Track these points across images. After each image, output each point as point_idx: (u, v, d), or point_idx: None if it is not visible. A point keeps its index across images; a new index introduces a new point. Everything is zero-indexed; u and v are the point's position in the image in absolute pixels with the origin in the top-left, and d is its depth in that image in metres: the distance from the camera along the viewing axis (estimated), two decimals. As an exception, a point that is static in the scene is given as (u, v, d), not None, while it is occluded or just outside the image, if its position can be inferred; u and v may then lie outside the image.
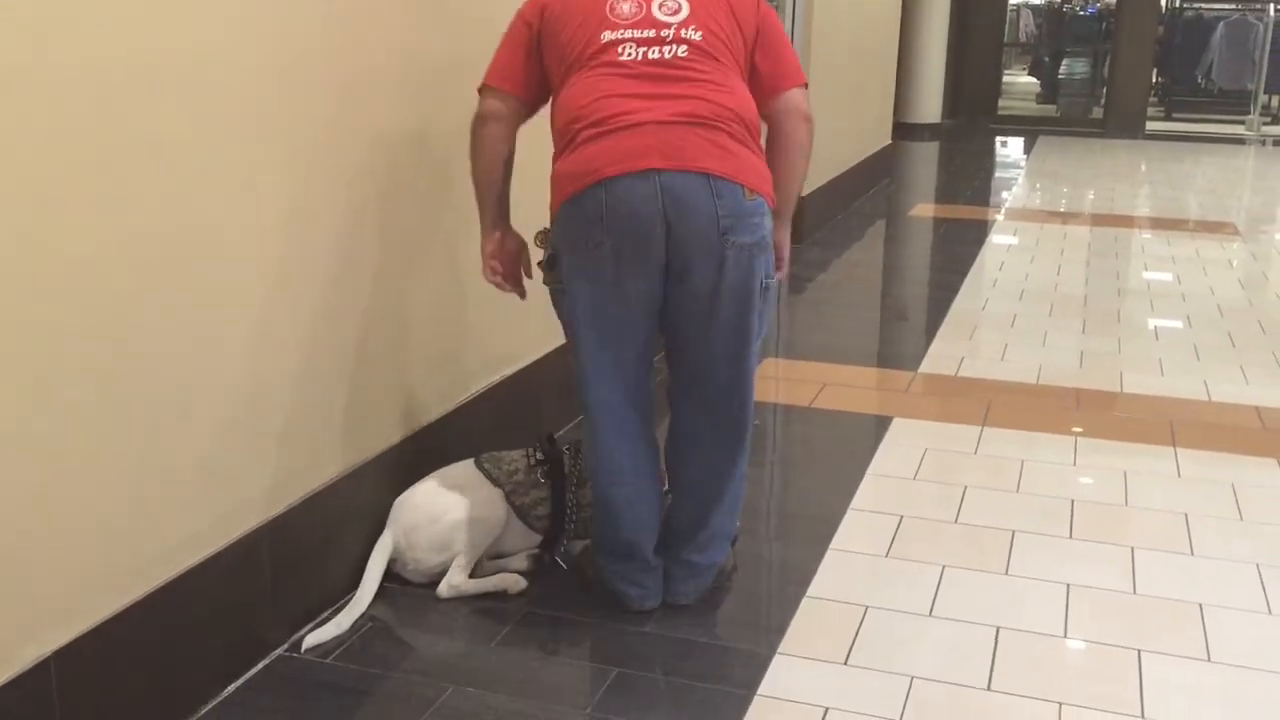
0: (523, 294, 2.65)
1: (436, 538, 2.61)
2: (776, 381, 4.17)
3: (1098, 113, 13.29)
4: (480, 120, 2.46)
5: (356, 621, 2.49)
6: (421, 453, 2.79)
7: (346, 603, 2.53)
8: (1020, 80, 16.47)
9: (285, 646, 2.40)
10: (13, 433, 1.76)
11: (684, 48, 2.29)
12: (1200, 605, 2.65)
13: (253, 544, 2.29)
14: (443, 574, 2.62)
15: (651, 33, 2.29)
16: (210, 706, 2.20)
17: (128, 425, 1.97)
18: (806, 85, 2.49)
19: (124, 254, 1.92)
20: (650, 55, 2.28)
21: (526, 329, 3.33)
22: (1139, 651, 2.45)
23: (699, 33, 2.32)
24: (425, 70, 2.73)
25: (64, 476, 1.86)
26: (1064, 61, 14.37)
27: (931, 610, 2.61)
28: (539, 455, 2.74)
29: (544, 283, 2.46)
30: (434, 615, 2.57)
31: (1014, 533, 2.99)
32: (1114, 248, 6.80)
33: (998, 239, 7.03)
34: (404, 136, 2.67)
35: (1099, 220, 7.70)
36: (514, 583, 2.64)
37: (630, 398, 2.44)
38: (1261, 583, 2.76)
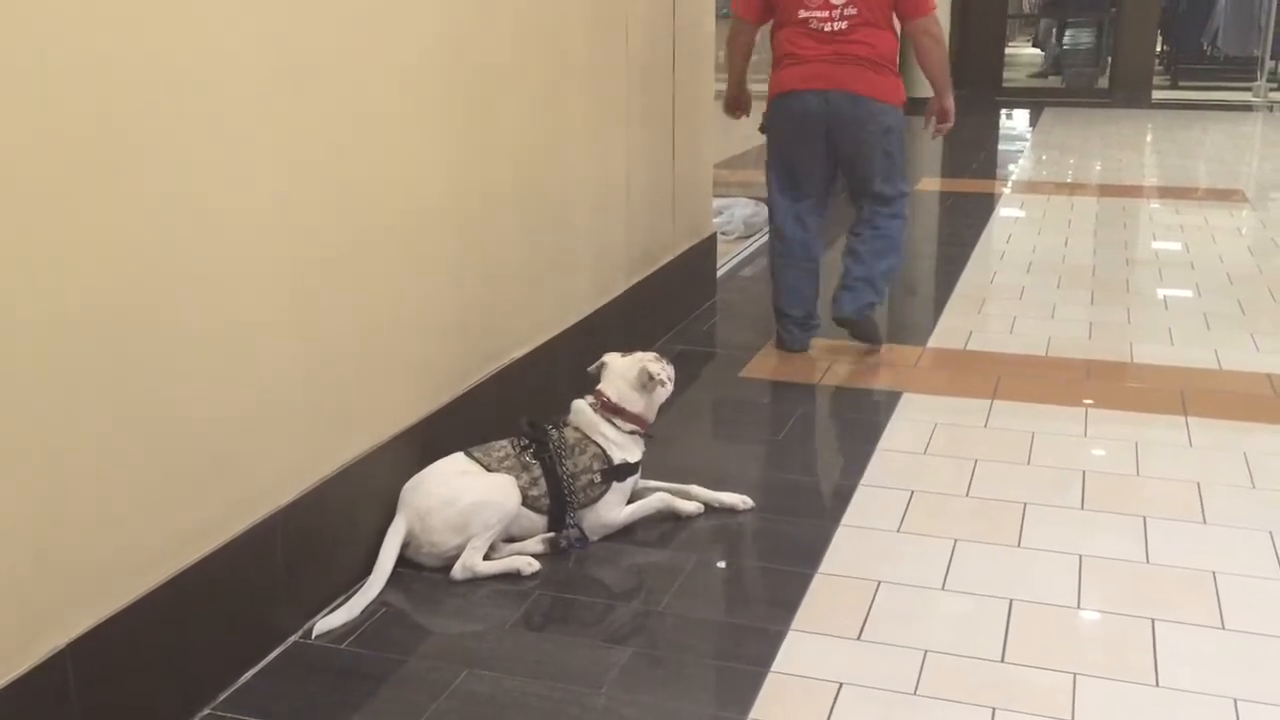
0: (748, 114, 4.36)
1: (454, 519, 2.62)
2: (785, 358, 4.17)
3: (1103, 83, 13.19)
4: (733, 37, 4.21)
5: (370, 607, 2.50)
6: (432, 437, 2.79)
7: (360, 588, 2.53)
8: (1024, 52, 16.35)
9: (300, 633, 2.41)
10: (25, 425, 1.77)
11: (844, 22, 3.86)
12: (1213, 573, 2.64)
13: (265, 531, 2.30)
14: (458, 557, 2.62)
15: (825, 13, 3.87)
16: (227, 694, 2.21)
17: (139, 415, 1.97)
18: (932, 11, 3.96)
19: (135, 244, 1.92)
20: (825, 29, 3.88)
21: (534, 313, 3.33)
22: (1153, 621, 2.45)
23: (854, 9, 3.85)
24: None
25: (75, 468, 1.86)
26: (1068, 32, 14.26)
27: (944, 584, 2.61)
28: (524, 441, 2.79)
29: (760, 130, 4.18)
30: (447, 599, 2.58)
31: (1025, 505, 2.99)
32: (1122, 218, 6.77)
33: (1005, 211, 7.00)
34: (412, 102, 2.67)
35: (1106, 191, 7.67)
36: (527, 564, 2.65)
37: (803, 209, 4.12)
38: (1274, 550, 2.75)
